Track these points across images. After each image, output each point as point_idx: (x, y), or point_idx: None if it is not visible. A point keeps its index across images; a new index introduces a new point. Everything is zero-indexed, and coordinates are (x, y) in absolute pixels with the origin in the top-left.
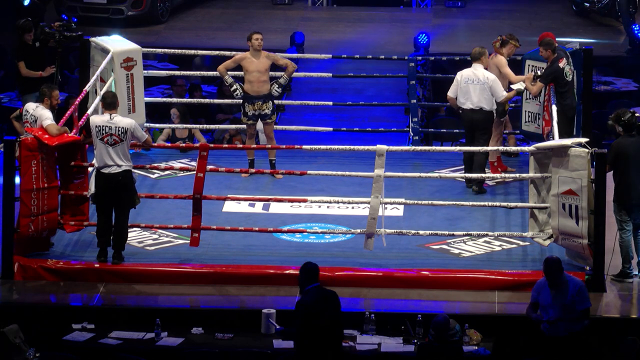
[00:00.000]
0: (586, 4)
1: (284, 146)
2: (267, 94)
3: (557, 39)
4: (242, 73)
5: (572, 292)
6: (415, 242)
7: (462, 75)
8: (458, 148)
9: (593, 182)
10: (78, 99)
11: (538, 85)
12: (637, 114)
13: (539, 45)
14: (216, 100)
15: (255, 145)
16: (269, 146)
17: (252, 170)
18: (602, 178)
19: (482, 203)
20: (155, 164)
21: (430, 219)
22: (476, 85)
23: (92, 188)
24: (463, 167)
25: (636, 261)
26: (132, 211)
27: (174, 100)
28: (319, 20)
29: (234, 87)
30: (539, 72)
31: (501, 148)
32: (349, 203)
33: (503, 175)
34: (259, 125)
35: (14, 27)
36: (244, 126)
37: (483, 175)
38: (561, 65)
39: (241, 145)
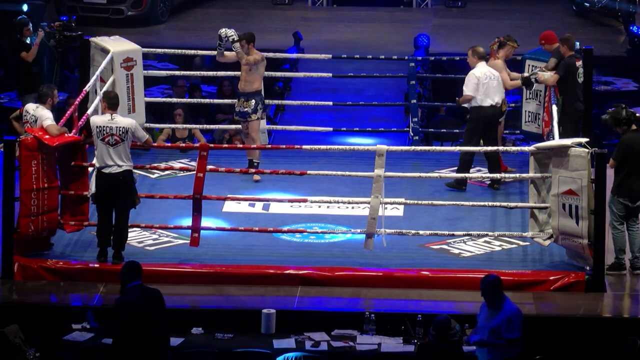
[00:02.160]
0: (586, 4)
1: (284, 146)
2: (250, 92)
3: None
4: (238, 73)
5: (502, 318)
6: (415, 242)
7: (481, 73)
8: (458, 148)
9: (593, 182)
10: (78, 99)
11: (554, 76)
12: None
13: (540, 44)
14: (216, 100)
15: (255, 145)
16: (269, 146)
17: (252, 170)
18: (602, 178)
19: (482, 203)
20: (155, 164)
21: (430, 219)
22: (494, 82)
23: (92, 188)
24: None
25: (628, 257)
26: (132, 211)
27: (174, 100)
28: (319, 20)
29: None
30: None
31: (501, 148)
32: (349, 203)
33: (503, 175)
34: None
35: (12, 26)
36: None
37: (483, 175)
38: (577, 64)
39: (241, 145)
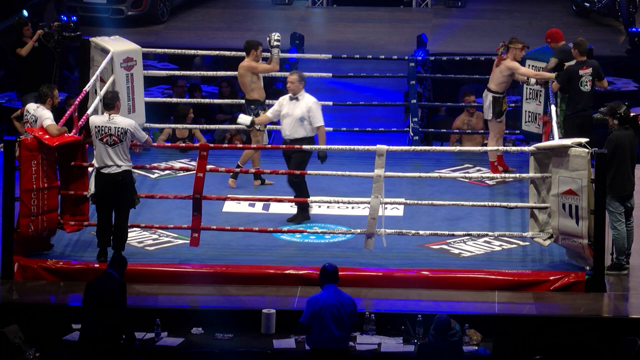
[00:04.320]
0: (586, 4)
1: (284, 146)
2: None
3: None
4: (234, 73)
5: None
6: (415, 242)
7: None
8: (458, 148)
9: (593, 182)
10: (78, 99)
11: (555, 84)
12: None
13: (546, 42)
14: (216, 100)
15: (255, 145)
16: (269, 145)
17: (252, 170)
18: (602, 178)
19: (482, 203)
20: (155, 164)
21: (430, 219)
22: None
23: (92, 188)
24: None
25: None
26: (132, 211)
27: (174, 100)
28: (319, 20)
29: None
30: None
31: (501, 148)
32: (349, 203)
33: (503, 175)
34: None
35: (12, 26)
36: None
37: (483, 175)
38: (581, 72)
39: (241, 145)
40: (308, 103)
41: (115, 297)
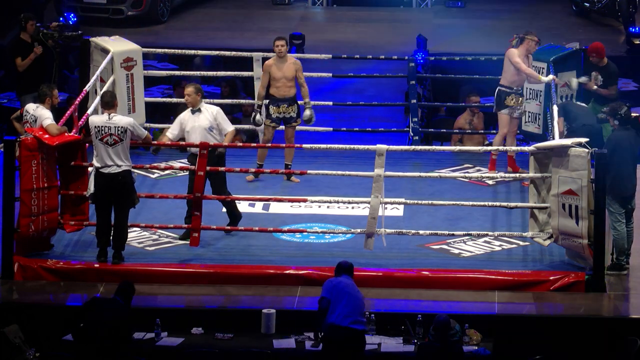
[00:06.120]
0: (586, 4)
1: (284, 145)
2: (293, 97)
3: (556, 40)
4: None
5: None
6: (415, 242)
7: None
8: (458, 148)
9: (593, 182)
10: (78, 99)
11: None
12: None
13: (591, 56)
14: (216, 100)
15: (255, 144)
16: (269, 145)
17: (252, 170)
18: (602, 178)
19: (482, 203)
20: (155, 164)
21: (430, 219)
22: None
23: (91, 188)
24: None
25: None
26: (132, 211)
27: (174, 100)
28: (319, 20)
29: (258, 113)
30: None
31: (501, 148)
32: (349, 203)
33: (503, 175)
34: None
35: (13, 24)
36: (245, 126)
37: (483, 175)
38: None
39: (241, 144)
40: (212, 111)
41: (120, 325)
